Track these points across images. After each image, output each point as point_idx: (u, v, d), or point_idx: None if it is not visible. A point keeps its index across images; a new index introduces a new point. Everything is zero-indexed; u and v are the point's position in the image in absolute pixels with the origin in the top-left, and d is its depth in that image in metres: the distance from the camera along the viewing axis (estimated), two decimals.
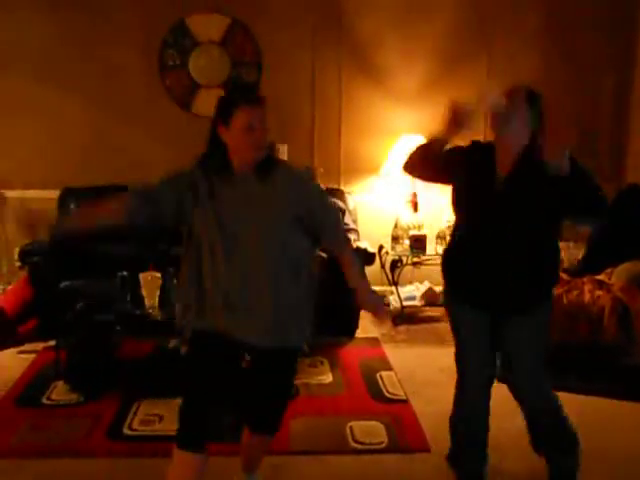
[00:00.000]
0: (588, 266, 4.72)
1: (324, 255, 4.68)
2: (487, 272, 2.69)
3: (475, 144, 2.79)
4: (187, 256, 2.47)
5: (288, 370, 2.63)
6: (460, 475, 3.02)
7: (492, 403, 2.92)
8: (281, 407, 2.63)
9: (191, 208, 2.39)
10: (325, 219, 2.53)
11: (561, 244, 4.71)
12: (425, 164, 2.76)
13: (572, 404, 3.80)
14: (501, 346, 2.82)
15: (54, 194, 5.06)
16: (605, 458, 3.26)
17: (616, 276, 4.43)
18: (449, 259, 2.88)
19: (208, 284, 2.41)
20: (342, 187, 5.40)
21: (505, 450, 3.18)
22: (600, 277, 4.51)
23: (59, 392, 3.87)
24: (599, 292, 4.28)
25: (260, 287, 2.40)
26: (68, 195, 5.03)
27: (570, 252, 4.83)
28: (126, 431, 3.46)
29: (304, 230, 2.47)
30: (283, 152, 5.41)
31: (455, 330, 2.88)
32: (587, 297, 4.23)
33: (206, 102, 5.23)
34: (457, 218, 2.83)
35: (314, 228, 2.49)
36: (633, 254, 4.59)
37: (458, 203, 2.77)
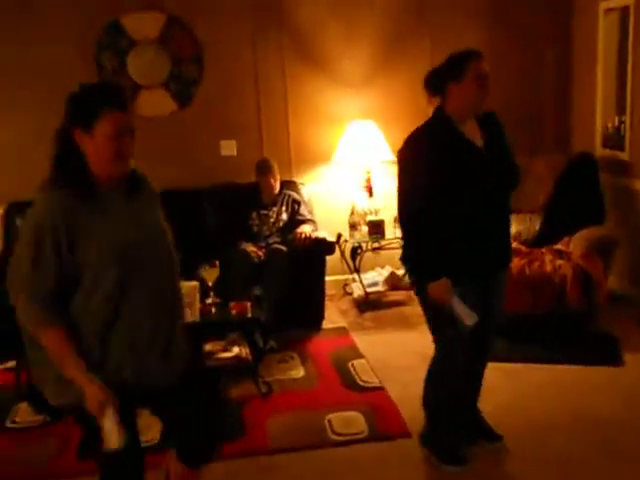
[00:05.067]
0: (545, 236, 4.77)
1: (285, 249, 4.64)
2: (494, 234, 2.83)
3: (429, 132, 2.79)
4: (81, 307, 2.05)
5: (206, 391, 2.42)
6: (443, 452, 3.03)
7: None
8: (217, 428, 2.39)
9: (72, 256, 1.99)
10: None
11: (519, 216, 4.79)
12: None
13: (538, 373, 3.87)
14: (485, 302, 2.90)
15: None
16: (573, 422, 3.31)
17: (574, 244, 4.48)
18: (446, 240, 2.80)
19: (112, 331, 2.05)
20: (294, 178, 5.32)
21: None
22: (558, 246, 4.57)
23: (23, 414, 3.72)
24: (560, 261, 4.32)
25: (164, 317, 2.14)
26: (14, 211, 4.80)
27: (528, 224, 4.87)
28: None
29: None
30: (232, 148, 5.33)
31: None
32: (549, 267, 4.27)
33: (148, 103, 5.08)
34: (442, 202, 2.75)
35: None
36: (587, 221, 4.65)
37: (450, 186, 2.73)
